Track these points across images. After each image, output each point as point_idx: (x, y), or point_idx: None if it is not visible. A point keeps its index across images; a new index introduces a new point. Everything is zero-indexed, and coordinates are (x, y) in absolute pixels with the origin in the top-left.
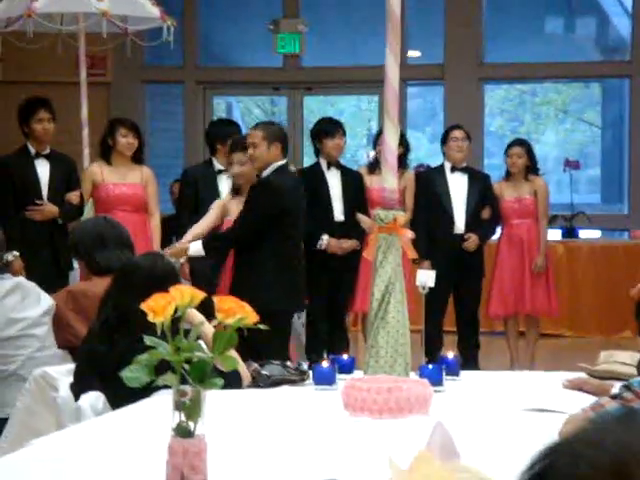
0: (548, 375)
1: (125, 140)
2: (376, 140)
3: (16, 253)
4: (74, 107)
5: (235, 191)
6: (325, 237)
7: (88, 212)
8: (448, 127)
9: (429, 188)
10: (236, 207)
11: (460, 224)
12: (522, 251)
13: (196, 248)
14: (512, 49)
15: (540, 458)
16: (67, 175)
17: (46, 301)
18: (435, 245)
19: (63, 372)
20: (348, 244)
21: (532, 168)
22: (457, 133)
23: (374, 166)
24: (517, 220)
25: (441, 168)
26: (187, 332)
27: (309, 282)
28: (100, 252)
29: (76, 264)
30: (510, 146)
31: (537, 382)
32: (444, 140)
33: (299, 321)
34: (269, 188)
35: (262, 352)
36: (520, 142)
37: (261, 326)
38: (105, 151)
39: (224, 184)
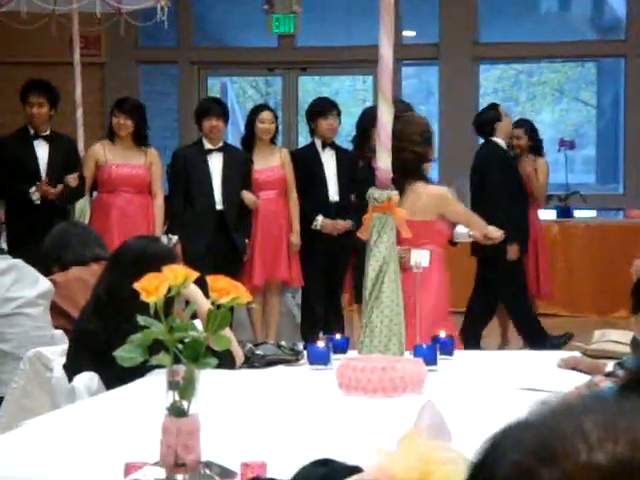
0: (542, 354)
1: (116, 121)
2: (364, 119)
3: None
4: (68, 87)
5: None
6: (320, 217)
7: (84, 204)
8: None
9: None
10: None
11: None
12: None
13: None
14: (507, 29)
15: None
16: (66, 156)
17: (44, 284)
18: None
19: (58, 352)
20: (342, 224)
21: (534, 148)
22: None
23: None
24: None
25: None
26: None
27: (304, 262)
28: (66, 250)
29: None
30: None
31: (531, 361)
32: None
33: (294, 301)
34: None
35: None
36: (519, 124)
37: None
38: (109, 131)
39: (215, 163)
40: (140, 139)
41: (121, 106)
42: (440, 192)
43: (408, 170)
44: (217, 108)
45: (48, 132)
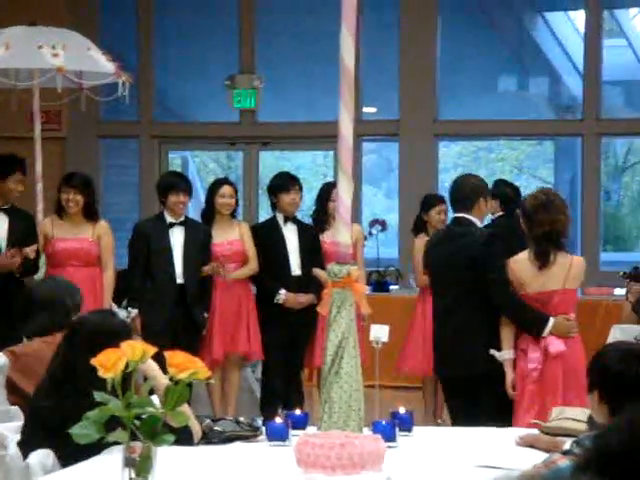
0: (500, 431)
1: (66, 197)
2: (322, 195)
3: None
4: (28, 162)
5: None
6: (282, 291)
7: (42, 267)
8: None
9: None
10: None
11: None
12: None
13: None
14: (466, 106)
15: None
16: (25, 230)
17: None
18: None
19: (12, 429)
20: (305, 298)
21: None
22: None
23: (323, 220)
24: None
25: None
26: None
27: (265, 336)
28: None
29: None
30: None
31: (490, 438)
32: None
33: (253, 376)
34: None
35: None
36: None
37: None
38: (58, 207)
39: (176, 237)
40: (90, 214)
41: (69, 181)
42: (583, 262)
43: (558, 240)
44: (182, 184)
45: (8, 205)
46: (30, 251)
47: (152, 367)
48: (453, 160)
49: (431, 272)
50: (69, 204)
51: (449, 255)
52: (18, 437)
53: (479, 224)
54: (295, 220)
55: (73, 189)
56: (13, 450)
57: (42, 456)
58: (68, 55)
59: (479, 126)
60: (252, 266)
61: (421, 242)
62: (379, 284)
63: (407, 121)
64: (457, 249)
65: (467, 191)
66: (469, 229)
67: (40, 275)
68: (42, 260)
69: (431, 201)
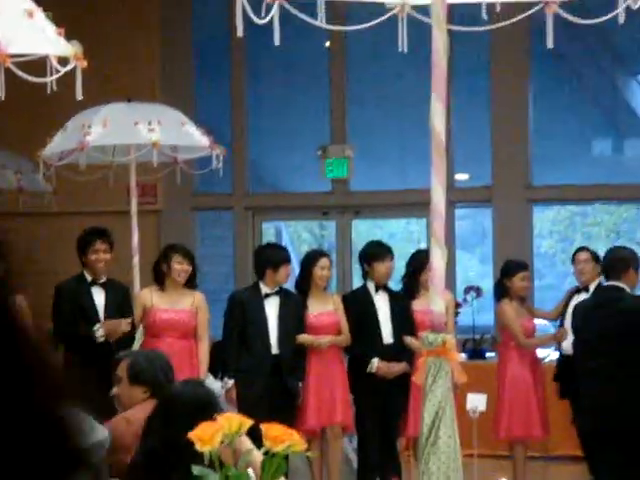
0: None
1: (180, 267)
2: (412, 263)
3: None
4: (125, 235)
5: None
6: (375, 360)
7: (139, 339)
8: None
9: None
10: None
11: None
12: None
13: None
14: (560, 171)
15: None
16: (121, 303)
17: (101, 432)
18: None
19: None
20: (398, 367)
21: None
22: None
23: (413, 288)
24: None
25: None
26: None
27: (359, 406)
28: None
29: None
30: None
31: None
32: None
33: (350, 446)
34: None
35: None
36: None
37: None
38: (158, 277)
39: (271, 307)
40: (193, 284)
41: (182, 251)
42: None
43: None
44: (288, 256)
45: (104, 279)
46: (125, 324)
47: (245, 441)
48: (547, 226)
49: (583, 337)
50: (181, 274)
51: (603, 319)
52: None
53: (629, 291)
54: (386, 288)
55: (187, 259)
56: None
57: None
58: (164, 130)
59: (574, 191)
60: (346, 338)
61: (510, 307)
62: (475, 352)
63: (500, 187)
64: (611, 314)
65: (616, 261)
66: (620, 295)
67: (136, 346)
68: (139, 332)
69: (514, 267)
